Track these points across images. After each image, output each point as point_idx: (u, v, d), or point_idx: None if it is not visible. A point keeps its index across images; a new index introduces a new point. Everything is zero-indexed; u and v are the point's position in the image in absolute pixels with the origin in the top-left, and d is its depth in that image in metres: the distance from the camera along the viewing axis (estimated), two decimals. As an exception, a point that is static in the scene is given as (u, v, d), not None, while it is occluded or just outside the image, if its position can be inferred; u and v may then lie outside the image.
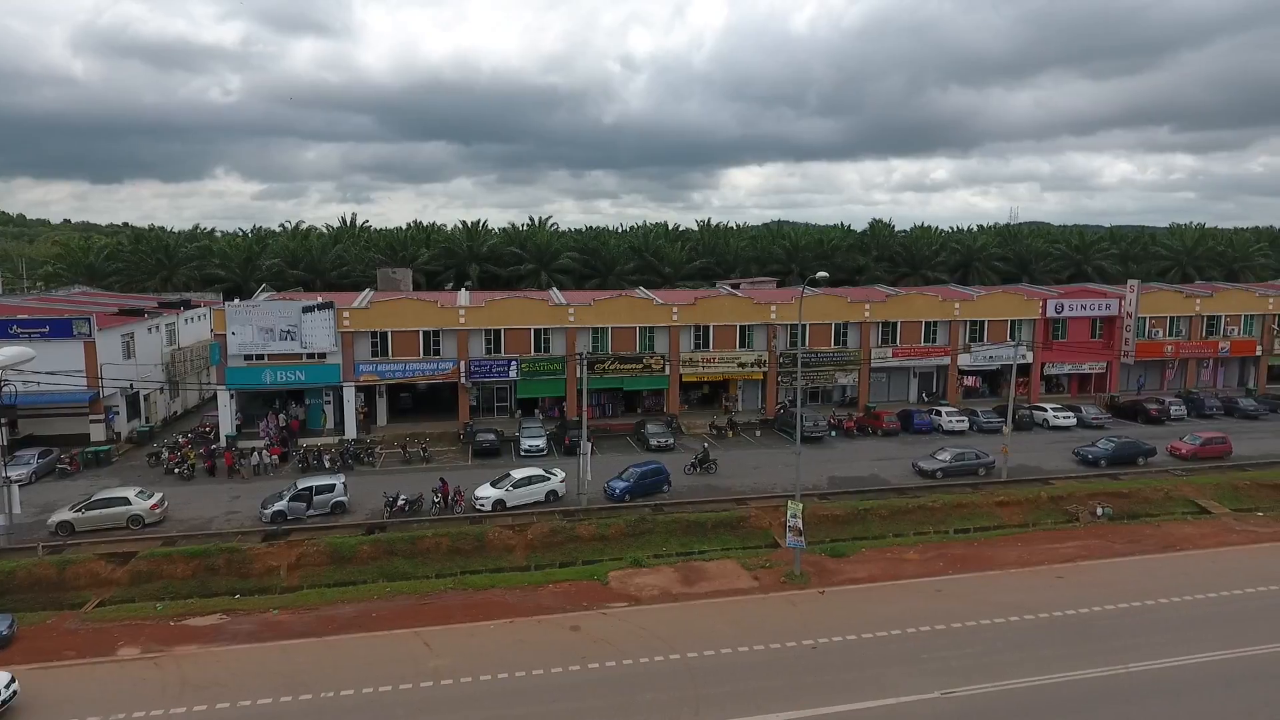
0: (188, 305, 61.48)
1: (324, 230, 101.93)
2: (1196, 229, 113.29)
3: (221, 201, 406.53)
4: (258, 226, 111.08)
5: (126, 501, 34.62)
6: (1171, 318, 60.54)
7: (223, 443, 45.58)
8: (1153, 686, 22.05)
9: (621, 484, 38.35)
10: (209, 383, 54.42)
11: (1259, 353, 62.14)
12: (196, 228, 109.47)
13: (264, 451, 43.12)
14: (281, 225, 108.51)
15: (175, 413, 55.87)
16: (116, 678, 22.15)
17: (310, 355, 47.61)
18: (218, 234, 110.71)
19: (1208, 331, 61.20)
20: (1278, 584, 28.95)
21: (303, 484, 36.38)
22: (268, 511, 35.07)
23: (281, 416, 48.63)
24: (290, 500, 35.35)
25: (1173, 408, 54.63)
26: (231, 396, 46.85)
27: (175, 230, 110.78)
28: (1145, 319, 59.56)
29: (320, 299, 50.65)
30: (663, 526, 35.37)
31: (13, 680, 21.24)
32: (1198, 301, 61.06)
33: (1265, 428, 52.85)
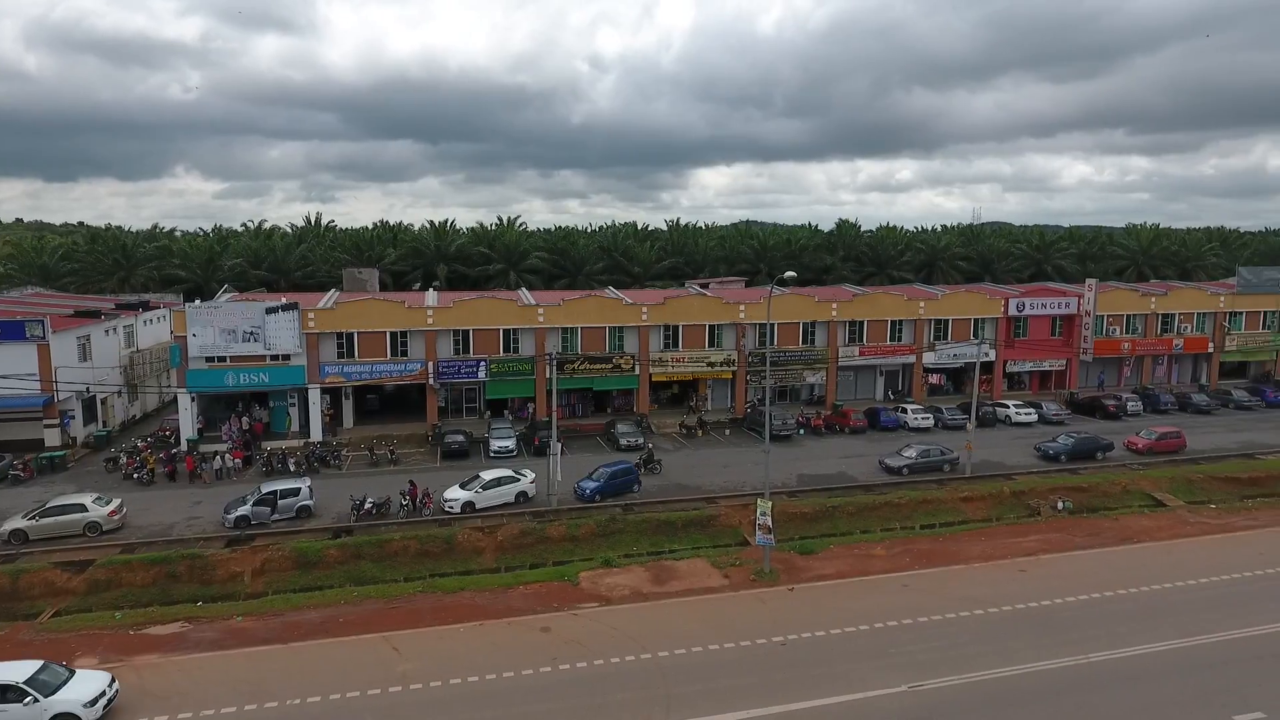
0: (146, 306, 60.06)
1: (288, 230, 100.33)
2: (1151, 229, 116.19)
3: (181, 200, 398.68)
4: (219, 226, 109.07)
5: (83, 508, 33.72)
6: (1128, 316, 62.07)
7: (184, 447, 44.65)
8: (1112, 675, 22.60)
9: (592, 484, 38.31)
10: (169, 386, 53.25)
11: (1211, 349, 63.99)
12: (155, 227, 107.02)
13: (226, 455, 42.31)
14: (244, 225, 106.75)
15: (134, 416, 54.57)
16: (73, 689, 21.54)
17: (274, 357, 46.83)
18: (178, 234, 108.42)
19: (1162, 329, 62.88)
20: (1229, 574, 29.87)
21: (267, 488, 35.78)
22: (231, 516, 34.43)
23: (245, 419, 47.76)
24: (254, 505, 34.74)
25: (1129, 404, 56.05)
26: (193, 399, 45.91)
27: (133, 230, 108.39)
28: (1103, 317, 61.01)
29: (284, 300, 49.82)
30: (633, 526, 35.41)
31: (113, 680, 21.34)
32: (1153, 300, 62.70)
33: (1217, 422, 54.46)
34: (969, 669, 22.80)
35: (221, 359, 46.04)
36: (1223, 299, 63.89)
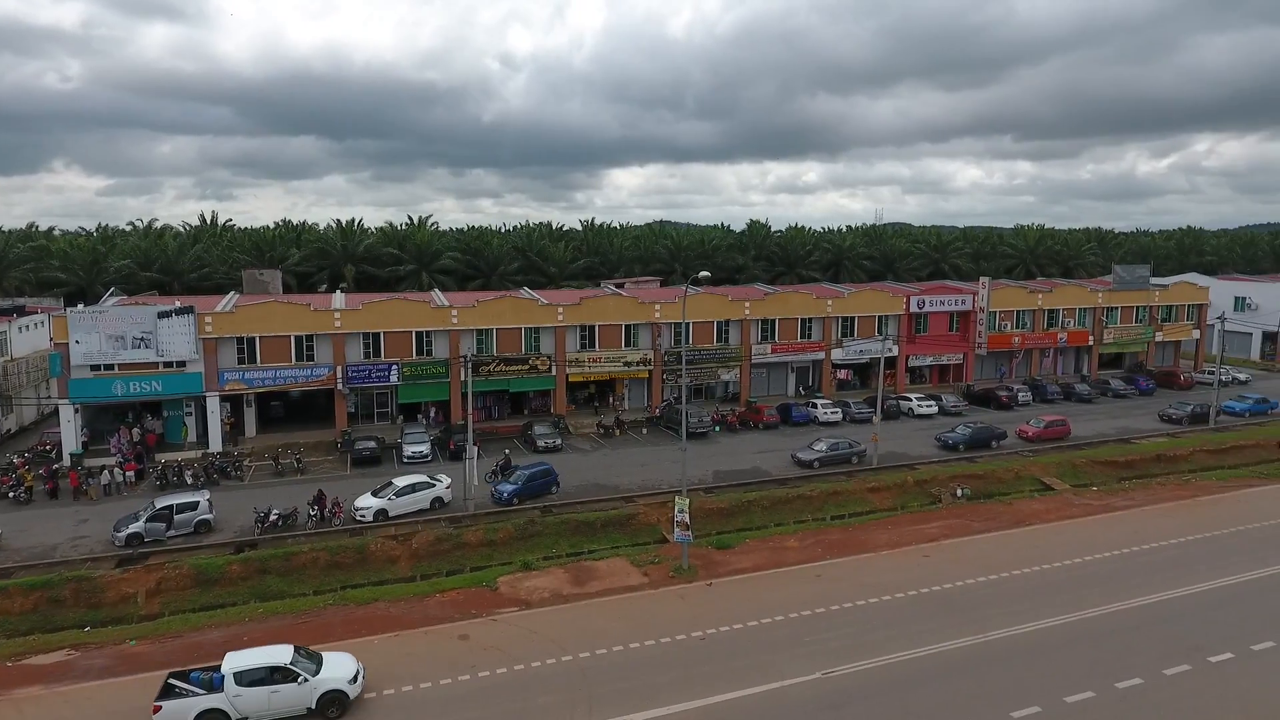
0: (21, 312, 55.90)
1: (181, 229, 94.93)
2: (1037, 230, 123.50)
3: (61, 197, 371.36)
4: (104, 225, 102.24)
5: (-49, 532, 31.16)
6: (1018, 311, 65.85)
7: (66, 461, 41.69)
8: (1008, 651, 23.99)
9: (509, 487, 37.91)
10: (49, 397, 49.62)
11: (1091, 342, 68.65)
12: (31, 226, 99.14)
13: (116, 469, 39.77)
14: (132, 224, 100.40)
15: (9, 431, 50.60)
16: (-57, 729, 19.89)
17: (168, 364, 44.30)
18: (57, 233, 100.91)
19: (1048, 324, 67.05)
20: (1110, 551, 32.13)
21: (161, 503, 33.89)
22: (121, 534, 32.45)
23: (136, 430, 44.99)
24: (147, 521, 32.83)
25: (1020, 394, 59.50)
26: (76, 411, 42.88)
27: (5, 229, 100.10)
28: (995, 313, 64.53)
29: (178, 303, 47.21)
30: (552, 528, 35.26)
31: (358, 660, 22.03)
32: (1040, 297, 66.76)
33: (1097, 410, 58.46)
34: (877, 653, 23.75)
35: (109, 367, 43.23)
36: (1101, 295, 68.56)
